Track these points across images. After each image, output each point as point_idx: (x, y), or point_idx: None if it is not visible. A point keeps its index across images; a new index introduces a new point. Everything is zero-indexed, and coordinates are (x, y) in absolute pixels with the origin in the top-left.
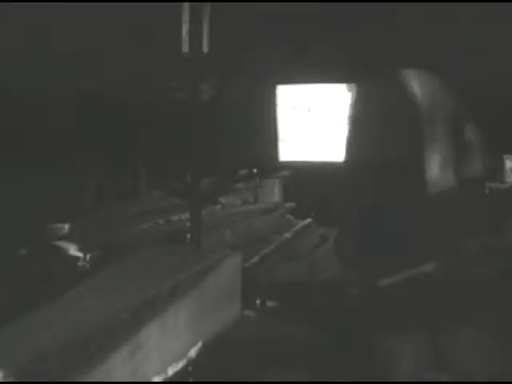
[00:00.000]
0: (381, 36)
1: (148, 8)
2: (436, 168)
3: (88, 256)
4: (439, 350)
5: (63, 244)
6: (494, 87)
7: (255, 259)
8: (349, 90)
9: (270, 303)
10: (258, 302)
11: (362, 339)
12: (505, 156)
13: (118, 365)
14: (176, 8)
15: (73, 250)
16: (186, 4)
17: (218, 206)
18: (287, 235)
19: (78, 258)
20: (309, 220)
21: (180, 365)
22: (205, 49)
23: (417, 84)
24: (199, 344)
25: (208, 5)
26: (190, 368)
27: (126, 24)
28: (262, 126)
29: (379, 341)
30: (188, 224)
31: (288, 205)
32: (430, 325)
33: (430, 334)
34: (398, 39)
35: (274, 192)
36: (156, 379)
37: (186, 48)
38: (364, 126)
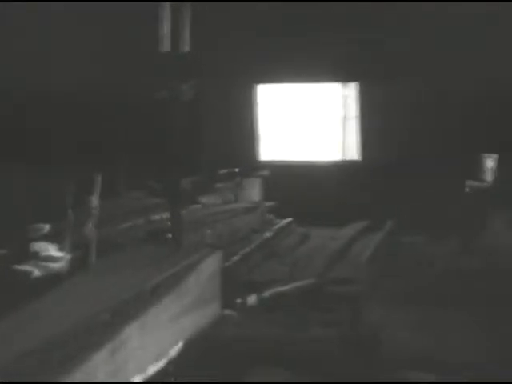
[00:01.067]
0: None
1: (127, 7)
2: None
3: (68, 256)
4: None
5: (43, 244)
6: (475, 88)
7: (236, 258)
8: (345, 88)
9: (250, 302)
10: (238, 301)
11: (344, 338)
12: (484, 155)
13: (98, 364)
14: (155, 8)
15: (53, 251)
16: (166, 4)
17: (199, 206)
18: (268, 234)
19: (58, 258)
20: (289, 219)
21: (161, 364)
22: (184, 49)
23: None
24: (180, 343)
25: (188, 5)
26: (171, 367)
27: (105, 23)
28: (243, 126)
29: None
30: (168, 224)
31: (268, 204)
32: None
33: None
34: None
35: (254, 191)
36: (137, 378)
37: (165, 48)
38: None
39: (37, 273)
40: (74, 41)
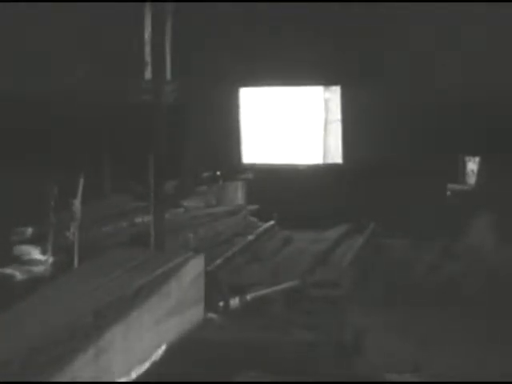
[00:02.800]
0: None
1: (108, 9)
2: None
3: (51, 259)
4: None
5: (26, 248)
6: (458, 90)
7: (219, 262)
8: (326, 92)
9: (232, 305)
10: (221, 304)
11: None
12: (466, 158)
13: (82, 367)
14: (138, 11)
15: (36, 254)
16: (148, 6)
17: (181, 209)
18: (250, 238)
19: (41, 262)
20: (272, 222)
21: (144, 367)
22: (167, 51)
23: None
24: (163, 346)
25: (171, 6)
26: (154, 370)
27: (89, 26)
28: (225, 129)
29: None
30: (151, 227)
31: (251, 207)
32: None
33: None
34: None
35: (236, 195)
36: (120, 381)
37: (148, 50)
38: (356, 126)
39: (19, 276)
40: (54, 43)
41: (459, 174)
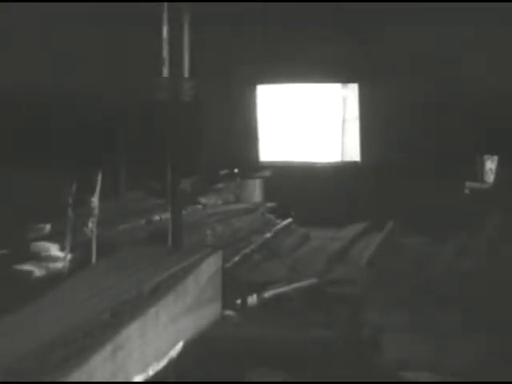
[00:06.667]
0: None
1: (128, 9)
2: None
3: (69, 256)
4: None
5: (44, 244)
6: (474, 88)
7: (236, 259)
8: (344, 90)
9: (250, 303)
10: (238, 301)
11: (344, 339)
12: (485, 157)
13: (99, 365)
14: (156, 9)
15: (54, 250)
16: (166, 5)
17: (199, 206)
18: (268, 235)
19: (59, 258)
20: (289, 220)
21: (161, 364)
22: (186, 49)
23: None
24: (180, 344)
25: (188, 6)
26: (171, 367)
27: (107, 25)
28: (243, 126)
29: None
30: (169, 224)
31: (269, 205)
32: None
33: None
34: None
35: (254, 192)
36: (137, 379)
37: (166, 49)
38: (374, 124)
39: (37, 273)
40: (74, 42)
41: (477, 172)
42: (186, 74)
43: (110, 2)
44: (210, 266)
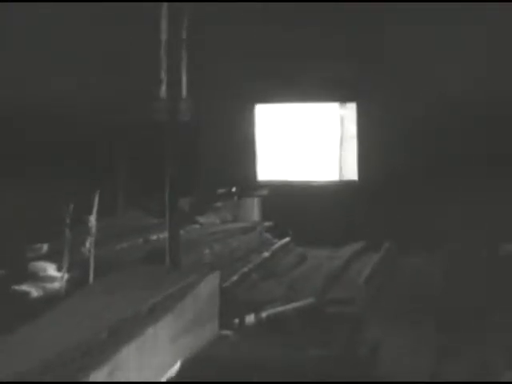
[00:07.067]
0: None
1: (126, 30)
2: None
3: (66, 276)
4: None
5: (42, 264)
6: (474, 108)
7: (234, 278)
8: (342, 109)
9: (248, 322)
10: (236, 321)
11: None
12: None
13: None
14: (154, 29)
15: (51, 270)
16: (164, 25)
17: (197, 226)
18: (266, 254)
19: (56, 278)
20: (287, 239)
21: None
22: (183, 68)
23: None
24: (178, 363)
25: (186, 25)
26: None
27: (103, 46)
28: (241, 145)
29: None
30: (167, 243)
31: (266, 224)
32: None
33: None
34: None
35: (252, 211)
36: None
37: (164, 69)
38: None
39: (35, 293)
40: (72, 60)
41: None
42: (184, 94)
43: (110, 14)
44: (208, 286)
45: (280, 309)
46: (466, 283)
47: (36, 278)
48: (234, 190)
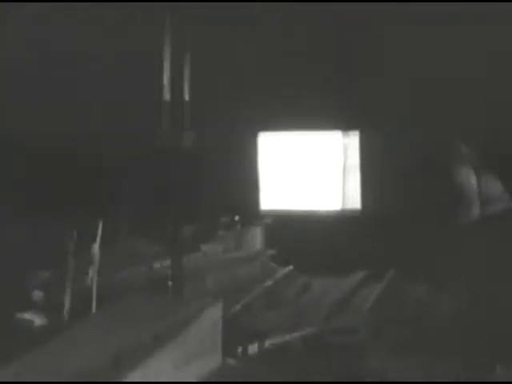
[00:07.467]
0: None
1: (127, 55)
2: None
3: (69, 304)
4: None
5: (43, 292)
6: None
7: (237, 308)
8: (345, 138)
9: (251, 352)
10: (239, 350)
11: None
12: None
13: None
14: (156, 55)
15: (54, 299)
16: (168, 51)
17: (200, 254)
18: (269, 283)
19: (59, 307)
20: (290, 268)
21: None
22: (186, 96)
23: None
24: None
25: (189, 52)
26: None
27: (104, 74)
28: (244, 174)
29: None
30: (170, 272)
31: (269, 252)
32: None
33: None
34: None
35: (255, 240)
36: None
37: (167, 96)
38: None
39: (37, 322)
40: (71, 88)
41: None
42: (188, 123)
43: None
44: (212, 315)
45: (283, 338)
46: (472, 313)
47: (38, 306)
48: (237, 218)
